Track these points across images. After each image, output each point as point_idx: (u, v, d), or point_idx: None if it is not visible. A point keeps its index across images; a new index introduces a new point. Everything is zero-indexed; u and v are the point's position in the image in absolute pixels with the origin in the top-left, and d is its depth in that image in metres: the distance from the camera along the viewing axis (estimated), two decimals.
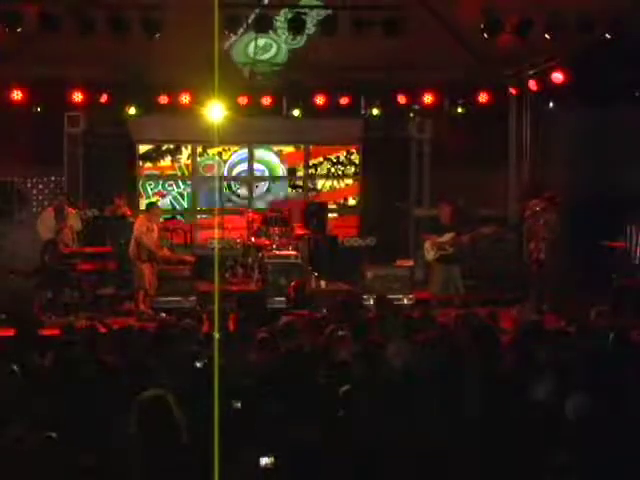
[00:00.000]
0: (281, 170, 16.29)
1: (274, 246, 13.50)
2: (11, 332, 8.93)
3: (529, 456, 4.63)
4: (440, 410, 5.43)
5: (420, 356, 6.86)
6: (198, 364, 6.66)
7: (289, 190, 16.27)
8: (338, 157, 16.34)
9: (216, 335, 7.70)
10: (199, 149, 15.95)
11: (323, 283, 13.52)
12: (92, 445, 4.70)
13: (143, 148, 15.75)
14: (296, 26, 11.60)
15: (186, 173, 15.97)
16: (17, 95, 13.45)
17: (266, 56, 14.32)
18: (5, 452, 4.47)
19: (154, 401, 4.50)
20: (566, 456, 4.53)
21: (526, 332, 7.91)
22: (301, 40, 13.62)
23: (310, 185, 16.22)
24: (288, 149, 16.32)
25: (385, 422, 5.09)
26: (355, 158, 16.33)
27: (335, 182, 16.44)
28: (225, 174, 16.03)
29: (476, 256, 14.33)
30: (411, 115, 15.54)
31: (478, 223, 13.56)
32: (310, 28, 12.54)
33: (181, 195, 16.05)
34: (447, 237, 12.79)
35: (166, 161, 15.90)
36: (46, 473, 4.36)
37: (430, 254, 12.94)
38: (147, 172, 15.82)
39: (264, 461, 4.34)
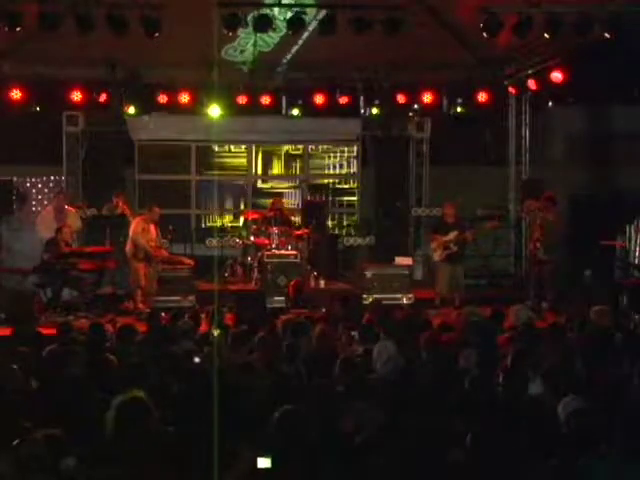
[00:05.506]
0: None
1: (273, 245, 13.49)
2: (10, 331, 8.91)
3: (526, 455, 4.64)
4: (437, 408, 5.43)
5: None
6: (196, 359, 6.70)
7: None
8: None
9: (214, 334, 7.72)
10: None
11: (322, 282, 13.54)
12: (86, 444, 4.69)
13: None
14: (295, 25, 11.58)
15: None
16: (16, 94, 13.45)
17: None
18: (8, 452, 4.46)
19: (131, 403, 4.49)
20: (560, 455, 4.54)
21: (525, 331, 7.90)
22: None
23: None
24: None
25: (384, 421, 5.09)
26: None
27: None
28: None
29: (477, 255, 14.36)
30: (410, 114, 15.54)
31: (479, 221, 13.57)
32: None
33: None
34: (452, 235, 12.81)
35: None
36: (46, 472, 4.35)
37: (437, 254, 12.96)
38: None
39: (262, 462, 4.32)
